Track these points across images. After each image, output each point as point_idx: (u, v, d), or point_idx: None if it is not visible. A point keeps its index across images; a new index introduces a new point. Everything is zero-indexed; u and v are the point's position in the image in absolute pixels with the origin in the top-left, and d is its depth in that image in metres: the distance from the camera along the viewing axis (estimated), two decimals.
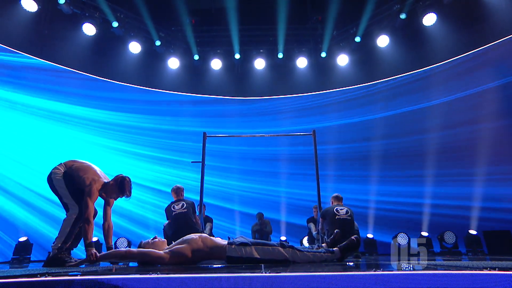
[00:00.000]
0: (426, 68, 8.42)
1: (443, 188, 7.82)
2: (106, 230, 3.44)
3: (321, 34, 9.35)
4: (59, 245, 3.11)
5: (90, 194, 3.09)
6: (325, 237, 4.66)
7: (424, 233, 7.38)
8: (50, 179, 3.24)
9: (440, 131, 8.09)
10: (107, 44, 8.86)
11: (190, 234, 2.85)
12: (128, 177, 3.35)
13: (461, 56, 7.84)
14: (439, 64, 8.20)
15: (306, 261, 2.66)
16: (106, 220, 3.46)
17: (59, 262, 3.05)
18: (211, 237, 2.79)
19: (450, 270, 1.54)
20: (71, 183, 3.20)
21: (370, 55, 9.11)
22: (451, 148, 7.94)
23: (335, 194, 5.18)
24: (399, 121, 8.80)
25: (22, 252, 6.38)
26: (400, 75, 8.77)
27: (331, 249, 2.90)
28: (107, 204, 3.49)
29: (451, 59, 8.00)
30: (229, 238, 2.73)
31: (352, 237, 2.96)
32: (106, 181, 3.34)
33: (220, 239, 2.82)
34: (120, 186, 3.28)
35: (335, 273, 1.43)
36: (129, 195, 3.34)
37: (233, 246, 2.63)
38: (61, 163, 3.33)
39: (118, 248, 6.53)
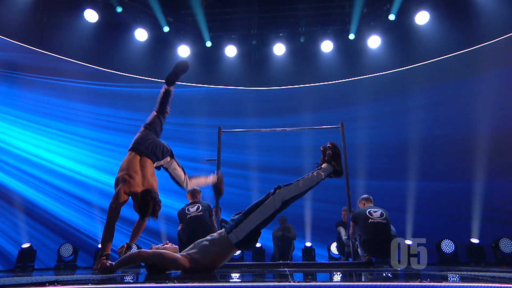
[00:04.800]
0: (476, 47, 8.08)
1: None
2: (137, 228, 3.33)
3: (349, 13, 9.17)
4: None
5: (117, 198, 2.91)
6: (357, 242, 4.62)
7: (475, 240, 7.15)
8: None
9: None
10: (110, 31, 9.03)
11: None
12: (155, 195, 2.98)
13: None
14: (492, 41, 7.84)
15: (301, 191, 2.71)
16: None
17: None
18: (214, 236, 2.79)
19: (508, 283, 1.49)
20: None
21: (407, 35, 8.88)
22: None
23: (364, 196, 5.11)
24: (443, 111, 8.55)
25: (26, 259, 6.67)
26: (443, 57, 8.48)
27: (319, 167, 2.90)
28: None
29: (508, 35, 7.63)
30: (221, 226, 2.75)
31: (329, 144, 2.93)
32: (138, 188, 3.03)
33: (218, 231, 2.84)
34: (142, 207, 2.94)
35: (371, 283, 1.42)
36: (154, 218, 3.00)
37: (232, 232, 2.65)
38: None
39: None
